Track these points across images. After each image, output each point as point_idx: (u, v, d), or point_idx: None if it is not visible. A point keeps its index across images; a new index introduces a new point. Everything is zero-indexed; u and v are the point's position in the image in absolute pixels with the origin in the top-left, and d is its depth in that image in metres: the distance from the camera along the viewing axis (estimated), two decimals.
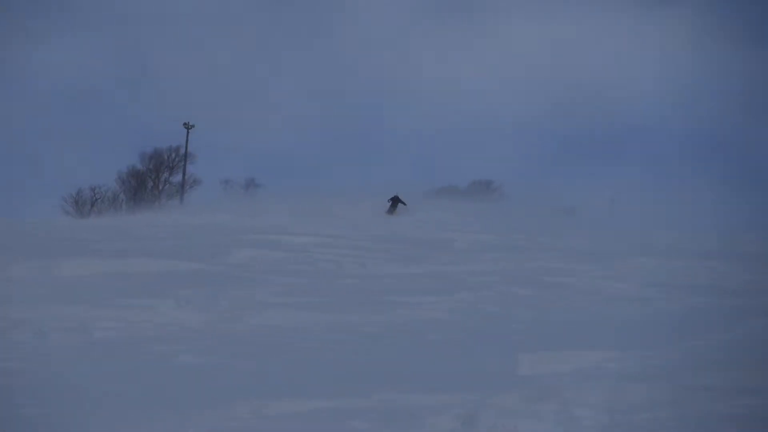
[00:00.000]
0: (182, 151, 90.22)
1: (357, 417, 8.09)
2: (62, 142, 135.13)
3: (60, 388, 9.35)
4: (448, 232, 30.87)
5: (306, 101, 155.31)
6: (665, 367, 9.94)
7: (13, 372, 10.01)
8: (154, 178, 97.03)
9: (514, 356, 10.67)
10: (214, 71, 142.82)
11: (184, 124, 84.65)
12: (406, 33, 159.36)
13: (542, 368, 10.15)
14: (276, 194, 59.87)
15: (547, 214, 44.96)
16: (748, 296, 16.49)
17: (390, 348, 11.74)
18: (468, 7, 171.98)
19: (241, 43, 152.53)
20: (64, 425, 8.05)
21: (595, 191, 57.70)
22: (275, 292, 15.87)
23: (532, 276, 18.54)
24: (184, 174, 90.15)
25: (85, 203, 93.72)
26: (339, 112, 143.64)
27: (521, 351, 10.87)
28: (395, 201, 52.89)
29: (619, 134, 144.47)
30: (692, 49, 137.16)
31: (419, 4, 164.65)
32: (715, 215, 41.03)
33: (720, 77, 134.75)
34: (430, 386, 9.14)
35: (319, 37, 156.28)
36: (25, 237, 26.58)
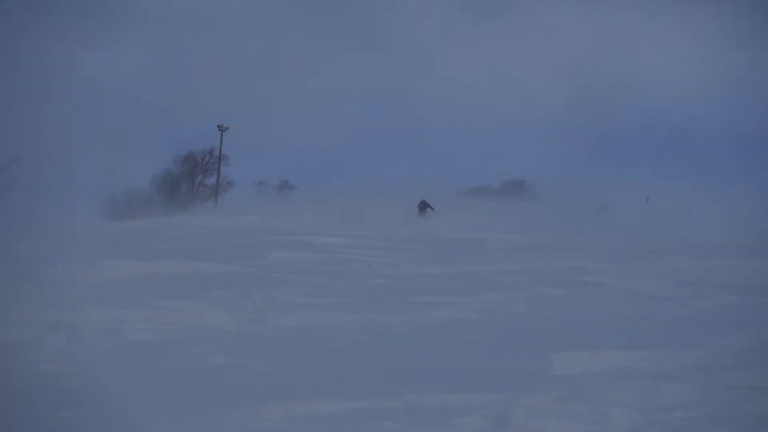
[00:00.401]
0: (216, 153, 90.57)
1: (387, 417, 8.10)
2: (97, 146, 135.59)
3: (94, 389, 9.41)
4: (480, 232, 30.75)
5: (342, 102, 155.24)
6: (699, 366, 9.90)
7: (49, 374, 10.09)
8: (189, 180, 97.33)
9: (545, 356, 10.65)
10: (250, 72, 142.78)
11: (219, 126, 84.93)
12: (442, 33, 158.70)
13: (574, 368, 10.12)
14: (309, 196, 59.82)
15: (580, 213, 44.65)
16: None
17: (420, 348, 11.73)
18: (504, 5, 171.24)
19: (278, 43, 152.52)
20: (99, 426, 8.10)
21: (631, 190, 57.36)
22: (306, 293, 15.87)
23: (564, 275, 18.46)
24: (218, 176, 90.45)
25: (120, 206, 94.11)
26: (374, 113, 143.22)
27: (552, 351, 10.86)
28: (423, 206, 52.76)
29: (657, 133, 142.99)
30: (735, 47, 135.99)
31: (454, 4, 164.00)
32: (751, 215, 40.69)
33: (763, 75, 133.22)
34: (459, 386, 9.14)
35: (356, 38, 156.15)
36: (60, 240, 26.69)
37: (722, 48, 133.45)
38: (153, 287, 16.23)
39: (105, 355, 11.15)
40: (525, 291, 16.42)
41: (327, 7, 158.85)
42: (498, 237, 28.70)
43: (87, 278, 17.16)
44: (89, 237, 28.54)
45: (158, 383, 9.74)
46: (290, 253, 22.01)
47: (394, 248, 24.28)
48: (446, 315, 14.01)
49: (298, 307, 14.46)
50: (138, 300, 14.67)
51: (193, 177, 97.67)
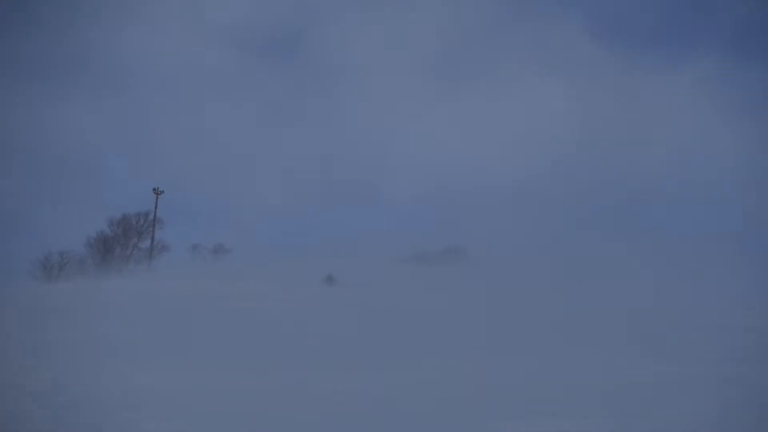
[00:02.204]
0: (151, 216, 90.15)
1: None
2: (32, 206, 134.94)
3: None
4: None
5: (293, 168, 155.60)
6: None
7: None
8: (123, 243, 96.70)
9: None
10: (203, 136, 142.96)
11: (154, 189, 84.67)
12: (399, 102, 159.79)
13: None
14: (245, 260, 59.79)
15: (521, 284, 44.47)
16: None
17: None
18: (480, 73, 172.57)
19: (225, 109, 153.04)
20: None
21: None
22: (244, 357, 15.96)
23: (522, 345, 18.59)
24: (153, 239, 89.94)
25: (53, 267, 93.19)
26: (327, 177, 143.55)
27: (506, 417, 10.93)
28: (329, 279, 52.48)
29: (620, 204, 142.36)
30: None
31: (419, 70, 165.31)
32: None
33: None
34: None
35: (315, 102, 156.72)
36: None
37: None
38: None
39: None
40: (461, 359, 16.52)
41: (293, 70, 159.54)
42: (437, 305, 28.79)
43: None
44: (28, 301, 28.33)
45: None
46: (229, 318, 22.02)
47: (341, 311, 24.38)
48: (387, 378, 14.10)
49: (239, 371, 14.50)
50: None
51: (128, 239, 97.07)
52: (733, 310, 29.88)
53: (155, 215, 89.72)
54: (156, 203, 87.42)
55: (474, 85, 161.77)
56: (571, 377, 14.91)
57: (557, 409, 11.98)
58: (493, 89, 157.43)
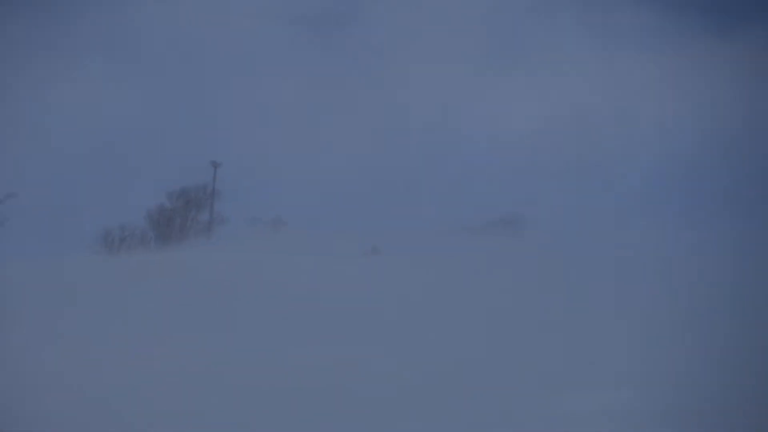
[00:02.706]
0: (210, 189, 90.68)
1: None
2: (93, 179, 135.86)
3: None
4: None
5: (344, 139, 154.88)
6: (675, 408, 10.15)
7: None
8: (182, 216, 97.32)
9: (527, 398, 10.91)
10: (246, 109, 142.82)
11: (212, 162, 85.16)
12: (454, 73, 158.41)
13: (570, 407, 10.37)
14: (303, 233, 60.08)
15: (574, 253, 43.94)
16: None
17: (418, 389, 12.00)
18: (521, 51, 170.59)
19: (279, 80, 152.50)
20: None
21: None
22: (300, 330, 16.14)
23: (561, 318, 18.65)
24: (211, 212, 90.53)
25: (114, 241, 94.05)
26: (381, 153, 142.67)
27: (548, 390, 11.12)
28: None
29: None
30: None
31: (470, 50, 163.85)
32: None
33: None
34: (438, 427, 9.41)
35: (365, 77, 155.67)
36: (58, 279, 26.92)
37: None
38: None
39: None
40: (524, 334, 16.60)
41: (336, 47, 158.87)
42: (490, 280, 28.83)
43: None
44: (85, 276, 28.76)
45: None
46: (285, 290, 22.26)
47: (390, 285, 24.52)
48: (446, 355, 14.28)
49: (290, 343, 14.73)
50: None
51: (187, 212, 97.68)
52: None
53: (213, 188, 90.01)
54: (214, 176, 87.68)
55: (532, 57, 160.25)
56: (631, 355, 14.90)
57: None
58: (551, 60, 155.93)
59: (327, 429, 9.46)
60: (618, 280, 27.77)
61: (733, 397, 11.23)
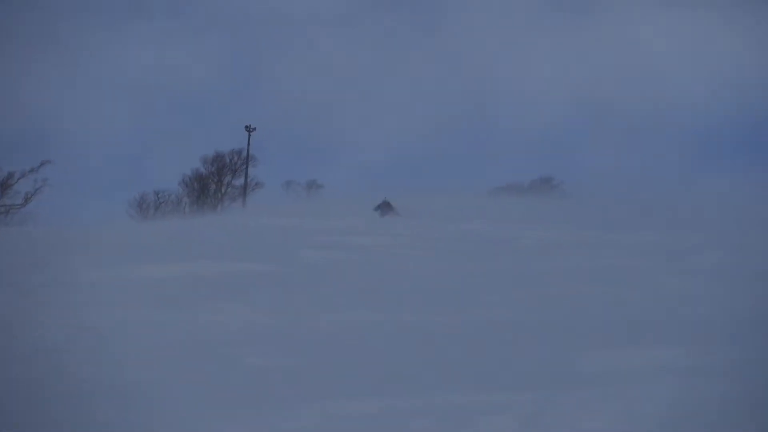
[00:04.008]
0: (244, 153, 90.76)
1: (421, 415, 8.18)
2: (127, 145, 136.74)
3: (134, 391, 9.51)
4: (513, 230, 30.63)
5: (379, 100, 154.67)
6: (734, 362, 9.91)
7: (89, 376, 10.19)
8: (217, 181, 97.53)
9: (576, 354, 10.69)
10: (279, 72, 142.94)
11: (246, 127, 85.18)
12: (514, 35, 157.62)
13: (606, 366, 10.16)
14: (339, 195, 60.01)
15: (619, 211, 43.62)
16: None
17: (453, 347, 11.79)
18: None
19: (346, 43, 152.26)
20: (138, 427, 8.20)
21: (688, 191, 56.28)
22: (341, 293, 15.93)
23: (599, 273, 18.42)
24: (246, 177, 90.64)
25: (149, 207, 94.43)
26: (428, 112, 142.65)
27: (586, 349, 10.89)
28: (385, 207, 50.64)
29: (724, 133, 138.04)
30: None
31: (531, 4, 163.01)
32: None
33: None
34: (491, 385, 9.21)
35: (426, 38, 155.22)
36: (92, 242, 26.85)
37: None
38: (191, 289, 16.34)
39: (139, 358, 11.25)
40: (560, 289, 16.41)
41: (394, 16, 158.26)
42: (532, 234, 28.58)
43: (123, 281, 17.28)
44: (120, 238, 28.67)
45: (195, 385, 9.84)
46: (326, 253, 22.01)
47: (428, 248, 24.30)
48: (480, 314, 14.04)
49: (334, 307, 14.51)
50: (177, 301, 14.79)
51: (222, 177, 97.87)
52: None
53: (248, 152, 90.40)
54: (249, 140, 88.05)
55: (583, 17, 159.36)
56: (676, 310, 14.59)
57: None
58: (603, 21, 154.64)
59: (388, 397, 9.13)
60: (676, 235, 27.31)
61: None
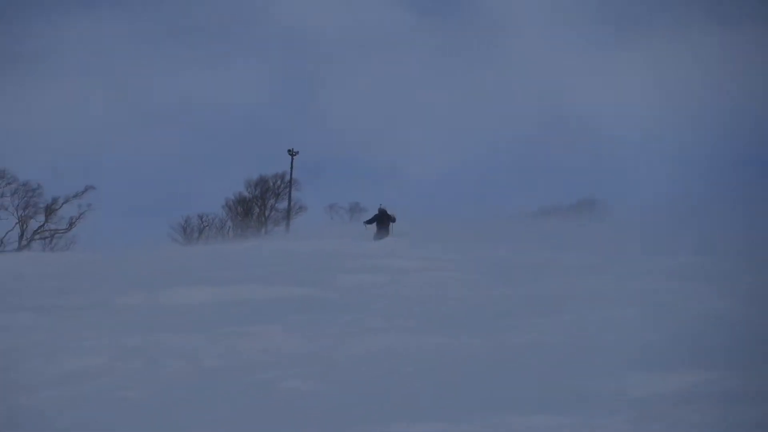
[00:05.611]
0: (287, 177, 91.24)
1: None
2: (172, 170, 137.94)
3: (172, 415, 9.57)
4: (552, 252, 30.56)
5: (449, 123, 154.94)
6: None
7: (126, 400, 10.27)
8: (261, 204, 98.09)
9: (620, 377, 10.66)
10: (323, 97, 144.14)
11: (289, 151, 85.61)
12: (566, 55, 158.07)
13: (649, 389, 10.13)
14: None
15: (655, 233, 43.39)
16: None
17: (495, 371, 11.77)
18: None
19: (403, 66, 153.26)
20: None
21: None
22: (380, 317, 15.90)
23: (638, 297, 18.34)
24: (290, 200, 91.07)
25: (193, 230, 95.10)
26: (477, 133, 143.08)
27: (627, 372, 10.86)
28: (383, 218, 43.96)
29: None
30: None
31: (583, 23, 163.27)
32: None
33: None
34: (536, 409, 9.18)
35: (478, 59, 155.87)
36: (135, 265, 27.09)
37: None
38: (229, 312, 16.41)
39: (180, 381, 11.32)
40: (598, 312, 16.36)
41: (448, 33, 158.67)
42: (569, 258, 28.50)
43: (162, 304, 17.40)
44: (164, 262, 28.89)
45: (234, 409, 9.89)
46: (365, 277, 22.04)
47: (467, 270, 24.28)
48: (522, 337, 14.01)
49: (373, 331, 14.49)
50: (215, 325, 14.84)
51: (265, 201, 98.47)
52: None
53: (291, 176, 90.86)
54: (291, 164, 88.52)
55: (636, 34, 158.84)
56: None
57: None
58: (656, 38, 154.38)
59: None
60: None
61: None
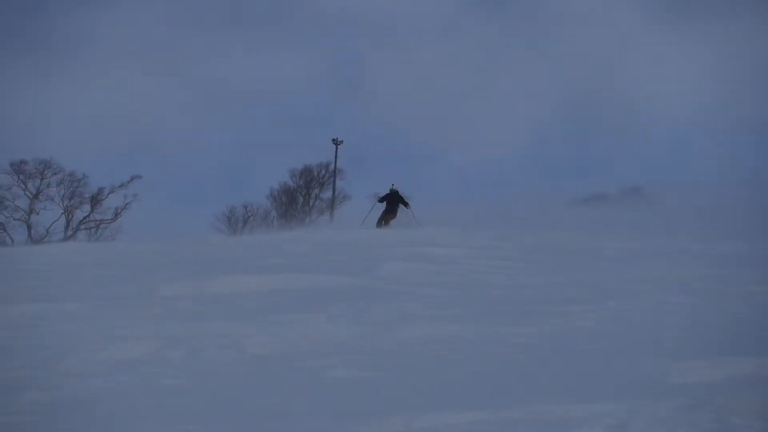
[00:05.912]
0: (332, 167, 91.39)
1: (508, 428, 8.13)
2: (217, 159, 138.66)
3: (216, 405, 9.58)
4: (597, 240, 30.44)
5: (497, 109, 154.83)
6: None
7: (170, 389, 10.29)
8: (305, 194, 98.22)
9: (665, 364, 10.58)
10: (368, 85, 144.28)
11: (333, 140, 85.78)
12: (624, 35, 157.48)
13: (695, 376, 10.05)
14: (424, 207, 59.99)
15: (704, 219, 43.03)
16: None
17: (539, 358, 11.71)
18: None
19: (454, 49, 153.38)
20: None
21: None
22: (425, 305, 15.85)
23: (683, 283, 18.22)
24: (334, 190, 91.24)
25: (238, 221, 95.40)
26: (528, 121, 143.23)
27: (673, 359, 10.78)
28: (392, 198, 42.89)
29: None
30: None
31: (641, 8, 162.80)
32: None
33: None
34: (580, 396, 9.13)
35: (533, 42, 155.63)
36: (181, 255, 27.17)
37: None
38: (273, 301, 16.42)
39: (226, 370, 11.34)
40: (644, 299, 16.26)
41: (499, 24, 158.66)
42: (615, 245, 28.37)
43: (206, 294, 17.43)
44: (208, 252, 28.96)
45: (280, 397, 9.89)
46: (409, 265, 22.00)
47: (512, 257, 24.20)
48: (565, 324, 13.93)
49: (418, 319, 14.45)
50: (259, 314, 14.86)
51: (309, 190, 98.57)
52: None
53: (335, 165, 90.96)
54: (336, 153, 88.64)
55: (691, 21, 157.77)
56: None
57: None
58: (709, 25, 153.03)
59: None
60: None
61: None
